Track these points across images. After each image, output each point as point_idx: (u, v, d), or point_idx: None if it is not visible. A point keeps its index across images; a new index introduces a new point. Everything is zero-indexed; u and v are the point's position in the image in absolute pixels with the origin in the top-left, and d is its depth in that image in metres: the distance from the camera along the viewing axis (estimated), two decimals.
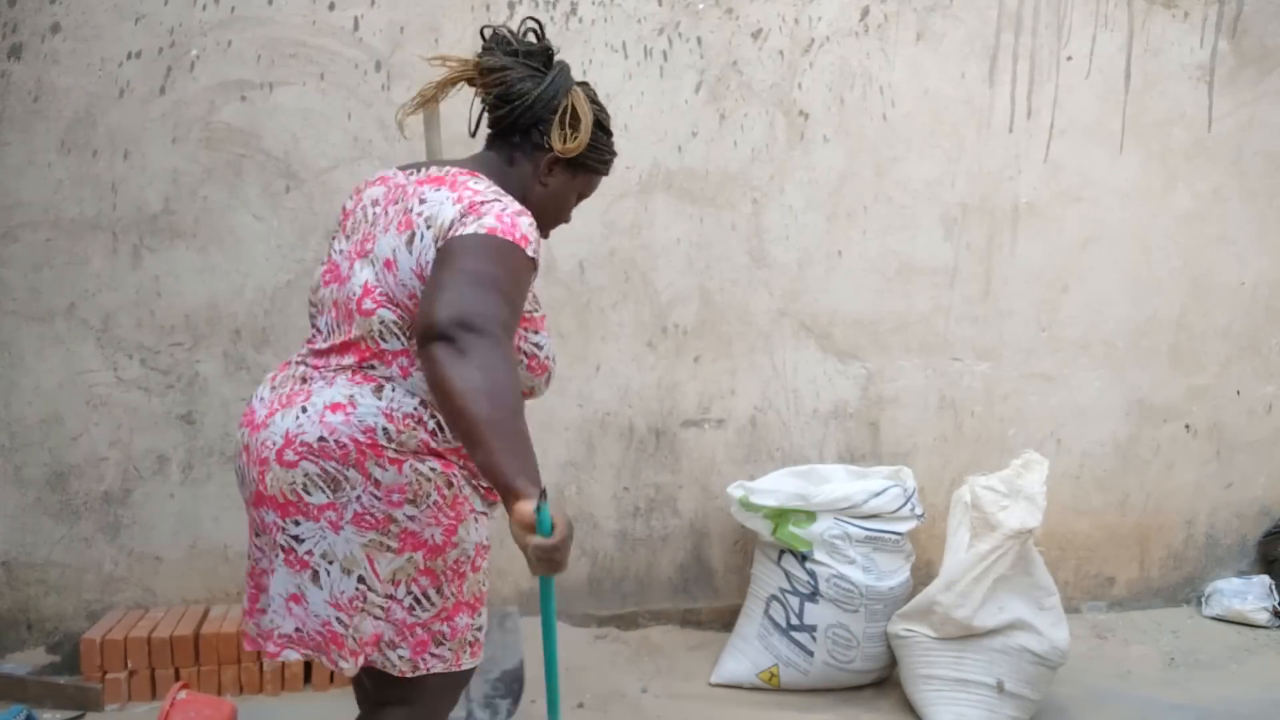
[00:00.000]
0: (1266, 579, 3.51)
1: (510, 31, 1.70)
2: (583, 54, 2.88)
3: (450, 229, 1.48)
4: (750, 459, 3.15)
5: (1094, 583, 3.50)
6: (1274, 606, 3.42)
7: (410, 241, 1.51)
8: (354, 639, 1.56)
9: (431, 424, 1.56)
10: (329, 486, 1.53)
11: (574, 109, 1.67)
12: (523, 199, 1.65)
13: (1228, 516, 3.61)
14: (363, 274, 1.56)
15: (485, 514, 1.65)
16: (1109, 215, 3.33)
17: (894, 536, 2.75)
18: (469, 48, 2.80)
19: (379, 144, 2.79)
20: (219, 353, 2.77)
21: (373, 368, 1.56)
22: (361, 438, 1.52)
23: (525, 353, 1.66)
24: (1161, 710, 2.75)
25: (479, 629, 1.65)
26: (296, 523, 1.54)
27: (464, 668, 1.64)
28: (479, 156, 1.72)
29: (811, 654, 2.73)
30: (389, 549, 1.55)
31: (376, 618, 1.57)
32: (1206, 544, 3.60)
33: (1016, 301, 3.30)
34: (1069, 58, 3.22)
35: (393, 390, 1.55)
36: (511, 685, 2.54)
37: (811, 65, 3.04)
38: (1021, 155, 3.23)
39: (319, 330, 1.65)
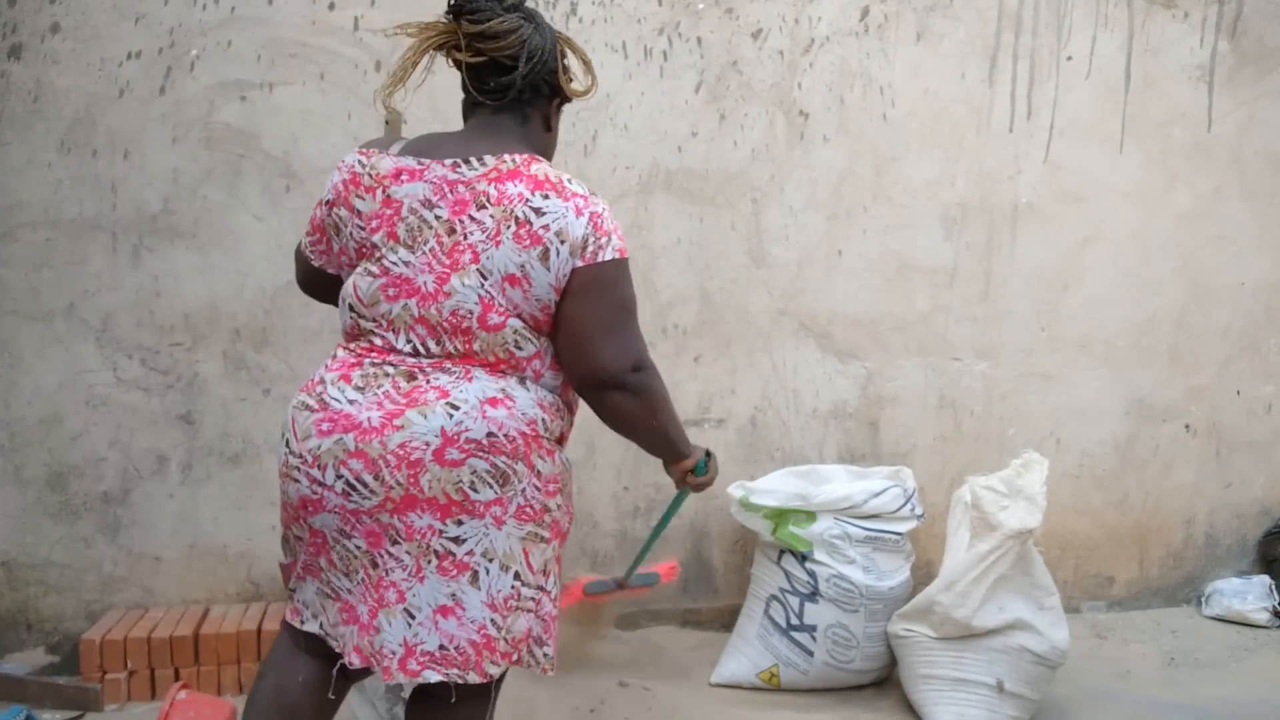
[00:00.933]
0: (1266, 579, 3.52)
1: None
2: None
3: (585, 249, 1.54)
4: (750, 459, 3.15)
5: (1093, 582, 3.51)
6: (1274, 606, 3.42)
7: (545, 258, 1.53)
8: (506, 640, 1.56)
9: (566, 414, 1.68)
10: (498, 482, 1.53)
11: (564, 47, 1.69)
12: (543, 153, 1.67)
13: (1227, 516, 3.61)
14: (469, 289, 1.54)
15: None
16: (1109, 215, 3.33)
17: (894, 536, 2.75)
18: None
19: None
20: (219, 353, 2.77)
21: (504, 368, 1.58)
22: (526, 430, 1.55)
23: None
24: (1161, 710, 2.75)
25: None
26: (459, 522, 1.52)
27: (553, 668, 1.68)
28: (489, 126, 1.64)
29: (811, 654, 2.73)
30: (542, 539, 1.59)
31: (528, 611, 1.58)
32: (1206, 544, 3.60)
33: (1016, 301, 3.30)
34: (1069, 58, 3.22)
35: (533, 382, 1.60)
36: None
37: (811, 65, 3.04)
38: (1021, 155, 3.23)
39: (394, 347, 1.58)
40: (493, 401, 1.54)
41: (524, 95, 1.64)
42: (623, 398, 1.61)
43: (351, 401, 1.55)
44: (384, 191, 1.58)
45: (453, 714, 1.64)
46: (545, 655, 1.62)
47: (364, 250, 1.60)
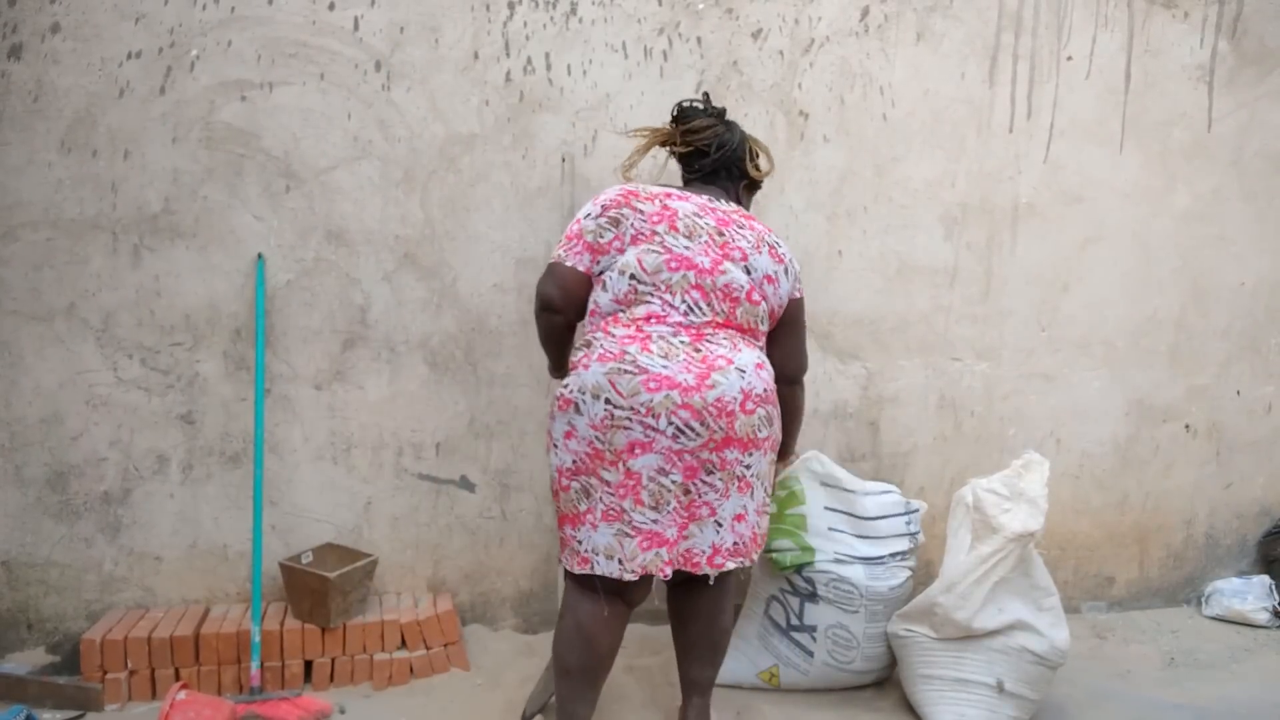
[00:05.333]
0: (1266, 579, 3.52)
1: (697, 100, 2.37)
2: (583, 54, 2.88)
3: (796, 284, 2.30)
4: None
5: (1093, 583, 3.51)
6: (1274, 606, 3.42)
7: (786, 274, 2.25)
8: (761, 535, 2.25)
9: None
10: (768, 423, 2.17)
11: (752, 147, 2.36)
12: None
13: (1227, 516, 3.61)
14: (739, 273, 2.16)
15: None
16: (1109, 215, 3.33)
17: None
18: (468, 48, 2.80)
19: (379, 144, 2.79)
20: (219, 353, 2.77)
21: (750, 336, 2.19)
22: (772, 384, 2.20)
23: None
24: (1161, 710, 2.75)
25: None
26: (750, 454, 2.13)
27: None
28: (712, 192, 2.29)
29: (811, 654, 2.73)
30: (775, 462, 2.29)
31: (767, 514, 2.27)
32: (1206, 544, 3.60)
33: (1016, 301, 3.30)
34: (1069, 58, 3.22)
35: (764, 353, 2.24)
36: None
37: (811, 65, 3.04)
38: (1021, 155, 3.23)
39: (673, 305, 2.13)
40: (758, 366, 2.15)
41: (719, 174, 2.32)
42: (799, 391, 2.36)
43: (664, 366, 2.06)
44: (661, 202, 2.18)
45: (718, 590, 2.32)
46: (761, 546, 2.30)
47: (642, 237, 2.15)
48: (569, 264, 2.17)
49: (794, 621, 2.74)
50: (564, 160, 2.91)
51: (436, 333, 2.90)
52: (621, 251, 2.15)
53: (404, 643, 2.76)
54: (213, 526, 2.83)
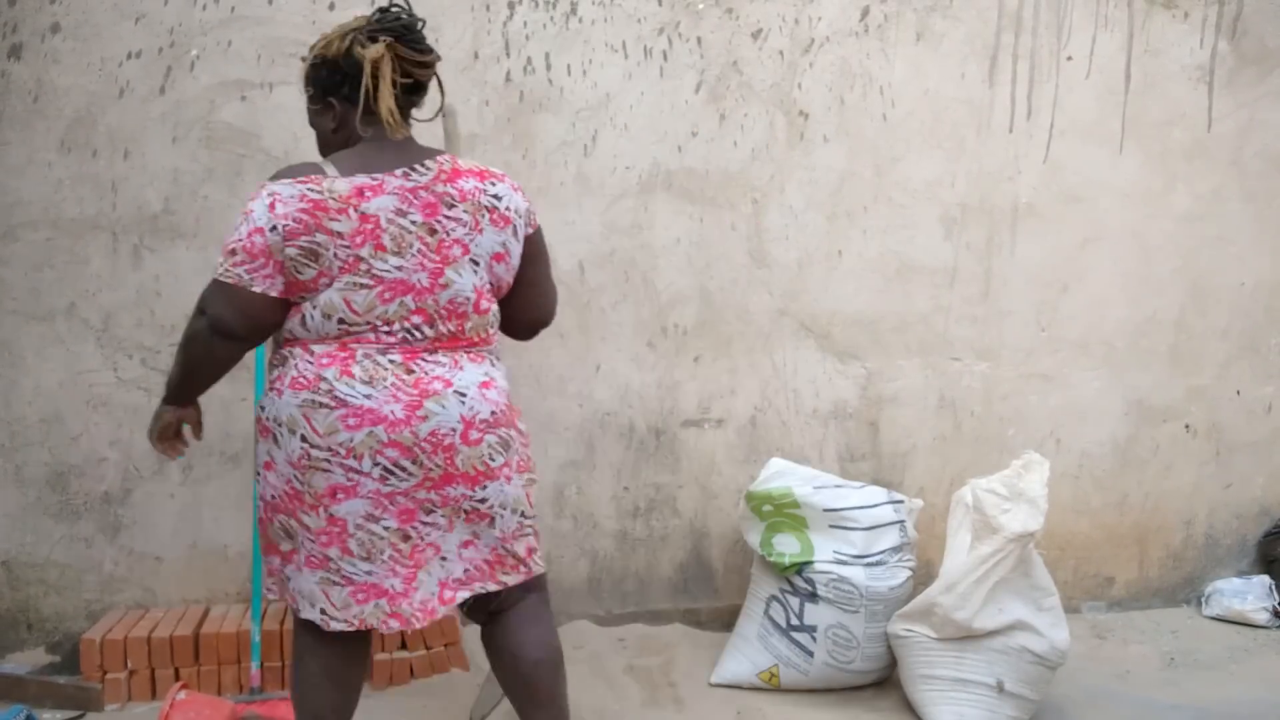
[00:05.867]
0: (1266, 579, 3.51)
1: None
2: (583, 54, 2.88)
3: (529, 218, 1.90)
4: (750, 459, 3.15)
5: (1093, 583, 3.51)
6: (1274, 606, 3.42)
7: (515, 233, 1.86)
8: (513, 558, 1.89)
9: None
10: (504, 448, 1.85)
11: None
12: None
13: (1227, 517, 3.61)
14: (466, 278, 1.80)
15: None
16: (1109, 215, 3.33)
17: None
18: (468, 48, 2.80)
19: None
20: None
21: (479, 348, 1.87)
22: (506, 402, 1.88)
23: None
24: (1161, 710, 2.75)
25: None
26: (484, 487, 1.82)
27: None
28: (399, 148, 1.82)
29: (811, 654, 2.73)
30: (534, 481, 1.97)
31: (527, 536, 1.92)
32: (1206, 544, 3.60)
33: (1016, 301, 3.30)
34: (1069, 58, 3.22)
35: (496, 359, 1.92)
36: None
37: (811, 65, 3.04)
38: (1021, 155, 3.23)
39: (389, 334, 1.76)
40: (485, 384, 1.83)
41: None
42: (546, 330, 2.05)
43: (367, 395, 1.73)
44: (355, 209, 1.72)
45: (511, 592, 1.94)
46: (542, 558, 1.97)
47: (345, 267, 1.73)
48: (256, 289, 1.71)
49: (794, 621, 2.74)
50: (565, 160, 2.91)
51: None
52: (323, 290, 1.74)
53: (404, 643, 2.76)
54: (213, 526, 2.83)
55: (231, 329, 1.74)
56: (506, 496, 1.86)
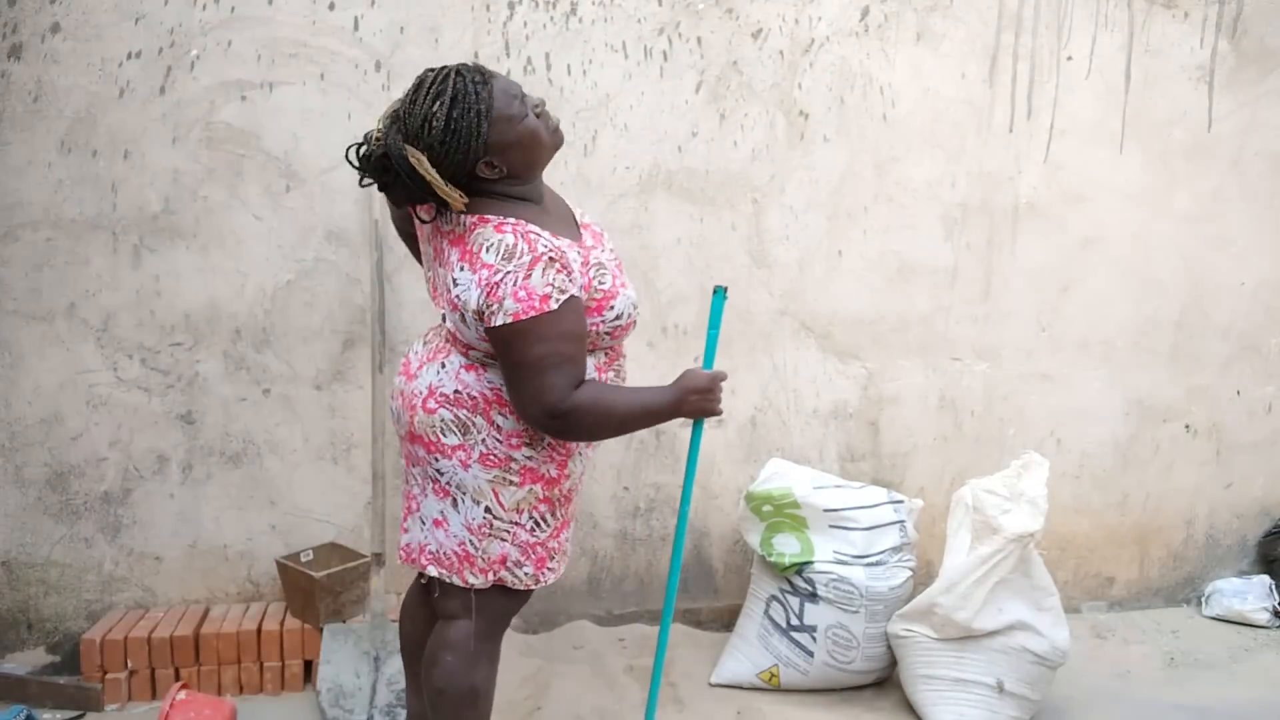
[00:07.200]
0: (1266, 579, 3.52)
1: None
2: (583, 54, 2.88)
3: (482, 315, 1.76)
4: (750, 459, 3.15)
5: (1094, 583, 3.51)
6: (1274, 606, 3.42)
7: (464, 320, 1.81)
8: (483, 559, 1.91)
9: None
10: (458, 430, 1.87)
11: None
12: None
13: (1227, 516, 3.61)
14: (450, 318, 1.87)
15: (584, 454, 2.01)
16: (1109, 215, 3.33)
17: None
18: (468, 48, 2.80)
19: None
20: (219, 353, 2.77)
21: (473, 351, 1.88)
22: (489, 393, 1.85)
23: (603, 333, 1.90)
24: (1161, 710, 2.75)
25: (568, 540, 2.04)
26: (437, 459, 1.89)
27: (544, 582, 1.99)
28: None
29: (811, 654, 2.73)
30: (511, 483, 1.89)
31: (502, 539, 1.91)
32: (1206, 544, 3.60)
33: (1016, 301, 3.30)
34: (1069, 58, 3.22)
35: (496, 370, 1.88)
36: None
37: (811, 65, 3.04)
38: (1022, 155, 3.23)
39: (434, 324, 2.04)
40: (466, 367, 1.87)
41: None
42: (560, 432, 1.82)
43: (415, 353, 2.00)
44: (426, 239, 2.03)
45: (439, 605, 2.00)
46: (526, 574, 1.95)
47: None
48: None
49: (794, 622, 2.74)
50: (565, 161, 2.91)
51: None
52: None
53: None
54: (213, 526, 2.83)
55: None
56: (464, 482, 1.88)
